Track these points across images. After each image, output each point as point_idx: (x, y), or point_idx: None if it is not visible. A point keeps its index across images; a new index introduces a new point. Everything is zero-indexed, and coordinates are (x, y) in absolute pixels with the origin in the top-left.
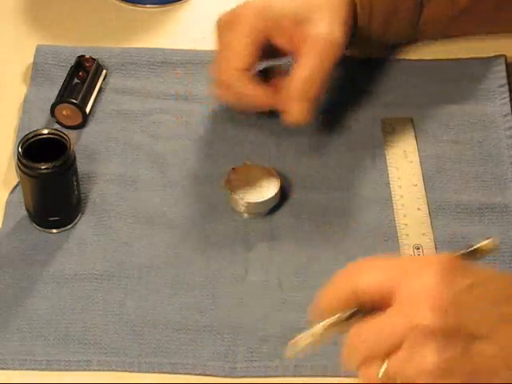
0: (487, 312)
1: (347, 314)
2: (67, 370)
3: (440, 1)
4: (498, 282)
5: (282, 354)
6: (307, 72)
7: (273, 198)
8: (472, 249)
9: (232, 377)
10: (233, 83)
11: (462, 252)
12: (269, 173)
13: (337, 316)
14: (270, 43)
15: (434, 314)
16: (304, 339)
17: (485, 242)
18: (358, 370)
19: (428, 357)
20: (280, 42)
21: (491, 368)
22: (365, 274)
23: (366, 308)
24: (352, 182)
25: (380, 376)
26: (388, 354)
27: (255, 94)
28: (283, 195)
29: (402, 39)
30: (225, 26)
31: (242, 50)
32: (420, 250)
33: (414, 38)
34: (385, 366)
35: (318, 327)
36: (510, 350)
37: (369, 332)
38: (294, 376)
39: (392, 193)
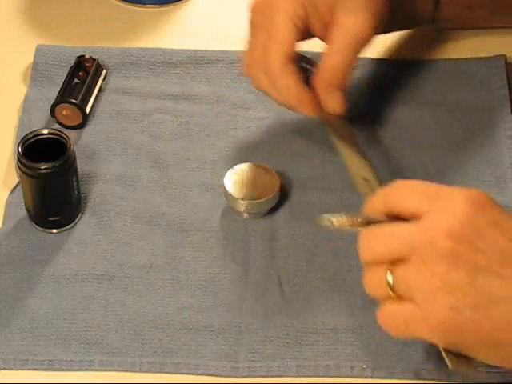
0: (504, 248)
1: (375, 218)
2: (69, 370)
3: None
4: None
5: (284, 353)
6: (339, 60)
7: (273, 197)
8: None
9: (234, 377)
10: (276, 72)
11: None
12: (269, 173)
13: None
14: (307, 30)
15: (450, 237)
16: (331, 224)
17: None
18: (365, 272)
19: (435, 274)
20: (316, 27)
21: (491, 300)
22: (404, 196)
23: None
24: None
25: (386, 281)
26: (397, 260)
27: (297, 90)
28: (283, 195)
29: (423, 18)
30: (261, 11)
31: (287, 36)
32: None
33: (435, 18)
34: (390, 276)
35: (347, 220)
36: None
37: (387, 231)
38: (297, 376)
39: None
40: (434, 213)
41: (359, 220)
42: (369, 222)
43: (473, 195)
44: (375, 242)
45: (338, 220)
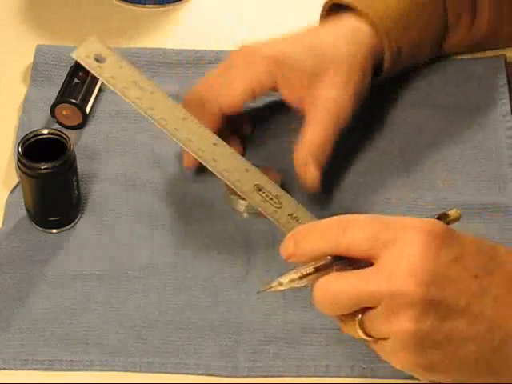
0: (468, 285)
1: (323, 263)
2: (69, 370)
3: (460, 32)
4: (481, 254)
5: (284, 353)
6: (319, 137)
7: None
8: (440, 213)
9: (234, 377)
10: (206, 113)
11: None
12: (269, 173)
13: (312, 266)
14: (269, 91)
15: (417, 286)
16: (280, 285)
17: (453, 211)
18: (339, 321)
19: (404, 323)
20: (287, 95)
21: (459, 341)
22: (349, 232)
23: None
24: (352, 183)
25: (358, 328)
26: (363, 309)
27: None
28: None
29: (425, 56)
30: (238, 57)
31: (236, 94)
32: None
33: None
34: (359, 317)
35: (293, 276)
36: (479, 325)
37: (346, 285)
38: (297, 376)
39: (392, 194)
40: (393, 256)
41: (306, 272)
42: (317, 270)
43: (430, 229)
44: (335, 297)
45: (280, 285)
